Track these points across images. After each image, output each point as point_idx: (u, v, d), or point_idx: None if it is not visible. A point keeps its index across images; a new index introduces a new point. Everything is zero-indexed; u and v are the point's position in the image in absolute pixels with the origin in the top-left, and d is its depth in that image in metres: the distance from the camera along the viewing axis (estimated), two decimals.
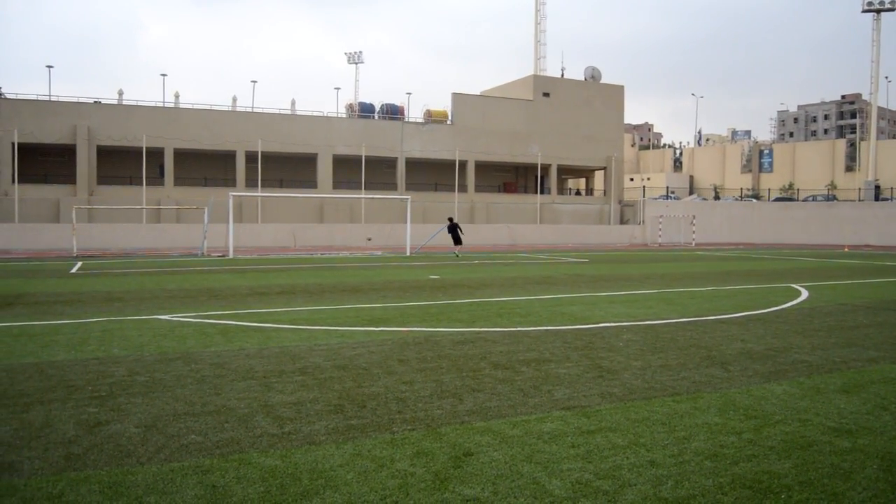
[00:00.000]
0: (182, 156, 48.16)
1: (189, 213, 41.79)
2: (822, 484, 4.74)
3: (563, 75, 64.13)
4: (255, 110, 52.50)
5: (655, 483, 4.71)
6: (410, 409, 6.41)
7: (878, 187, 62.40)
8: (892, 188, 65.51)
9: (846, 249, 43.50)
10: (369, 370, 8.00)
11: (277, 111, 52.17)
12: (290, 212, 47.53)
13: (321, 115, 52.92)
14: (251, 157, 48.07)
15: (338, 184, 51.06)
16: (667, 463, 5.09)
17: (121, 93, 51.65)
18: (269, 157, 49.20)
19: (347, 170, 51.57)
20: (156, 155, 46.55)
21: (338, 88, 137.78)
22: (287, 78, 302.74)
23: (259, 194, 43.84)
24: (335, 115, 55.23)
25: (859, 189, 63.06)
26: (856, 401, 6.90)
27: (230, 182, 48.62)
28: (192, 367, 8.11)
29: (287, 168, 52.42)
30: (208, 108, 49.47)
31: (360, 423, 5.96)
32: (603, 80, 62.06)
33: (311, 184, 50.94)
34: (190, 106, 50.05)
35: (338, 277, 20.55)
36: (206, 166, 51.09)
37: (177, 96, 52.91)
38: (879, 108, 76.39)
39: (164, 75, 57.69)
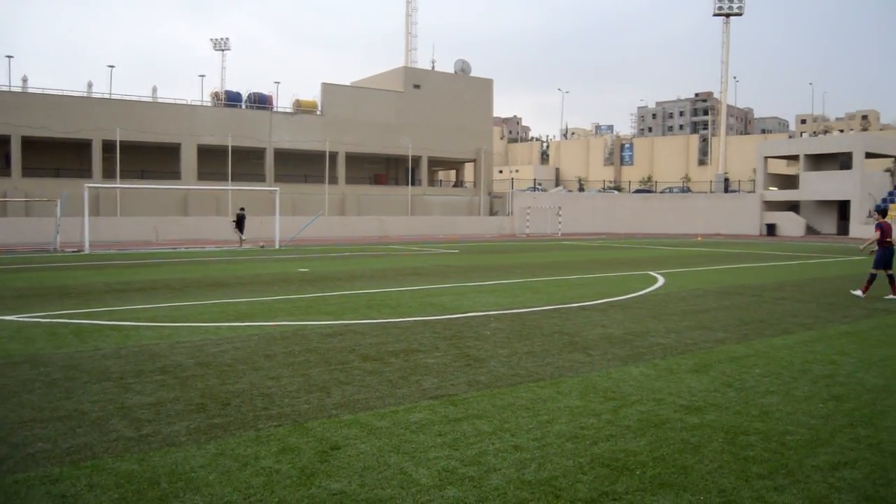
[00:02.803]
0: (31, 144, 44.90)
1: (40, 205, 39.18)
2: (673, 459, 5.02)
3: (433, 68, 64.60)
4: (113, 97, 49.68)
5: (519, 467, 4.84)
6: (276, 405, 6.29)
7: (727, 180, 66.74)
8: (739, 181, 70.33)
9: (699, 238, 46.27)
10: (234, 367, 7.78)
11: (137, 98, 49.63)
12: (153, 204, 45.39)
13: (185, 103, 50.77)
14: (109, 147, 45.44)
15: (203, 175, 49.18)
16: (530, 447, 5.24)
17: None
18: (129, 147, 46.72)
19: (213, 160, 49.76)
20: (1, 143, 43.26)
21: (202, 76, 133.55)
22: (148, 64, 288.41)
23: (118, 186, 41.62)
24: (200, 103, 53.19)
25: (710, 181, 67.30)
26: (704, 379, 7.36)
27: (86, 173, 45.81)
28: (41, 370, 7.61)
29: (148, 158, 49.93)
30: (60, 93, 46.36)
31: (223, 422, 5.79)
32: (473, 74, 62.95)
33: (175, 175, 48.80)
34: (40, 91, 46.78)
35: (203, 272, 19.86)
36: (58, 156, 47.91)
37: (24, 80, 49.36)
38: (728, 107, 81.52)
39: (9, 57, 53.52)
